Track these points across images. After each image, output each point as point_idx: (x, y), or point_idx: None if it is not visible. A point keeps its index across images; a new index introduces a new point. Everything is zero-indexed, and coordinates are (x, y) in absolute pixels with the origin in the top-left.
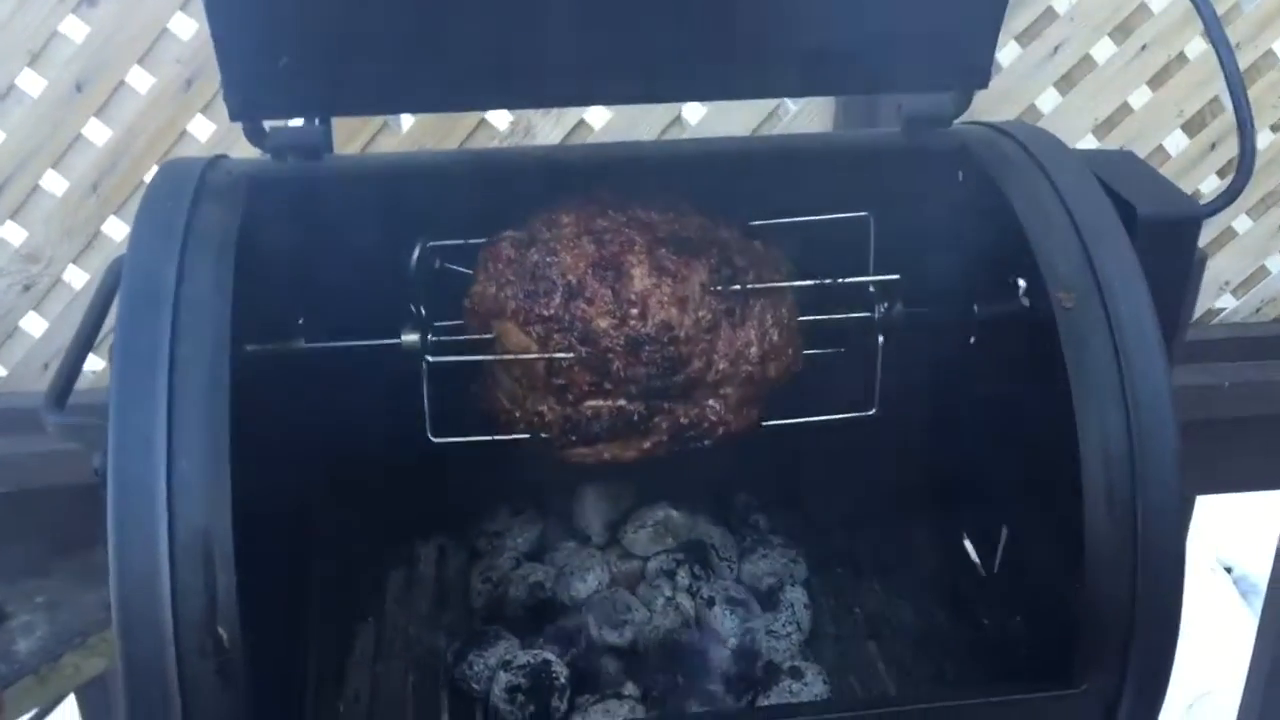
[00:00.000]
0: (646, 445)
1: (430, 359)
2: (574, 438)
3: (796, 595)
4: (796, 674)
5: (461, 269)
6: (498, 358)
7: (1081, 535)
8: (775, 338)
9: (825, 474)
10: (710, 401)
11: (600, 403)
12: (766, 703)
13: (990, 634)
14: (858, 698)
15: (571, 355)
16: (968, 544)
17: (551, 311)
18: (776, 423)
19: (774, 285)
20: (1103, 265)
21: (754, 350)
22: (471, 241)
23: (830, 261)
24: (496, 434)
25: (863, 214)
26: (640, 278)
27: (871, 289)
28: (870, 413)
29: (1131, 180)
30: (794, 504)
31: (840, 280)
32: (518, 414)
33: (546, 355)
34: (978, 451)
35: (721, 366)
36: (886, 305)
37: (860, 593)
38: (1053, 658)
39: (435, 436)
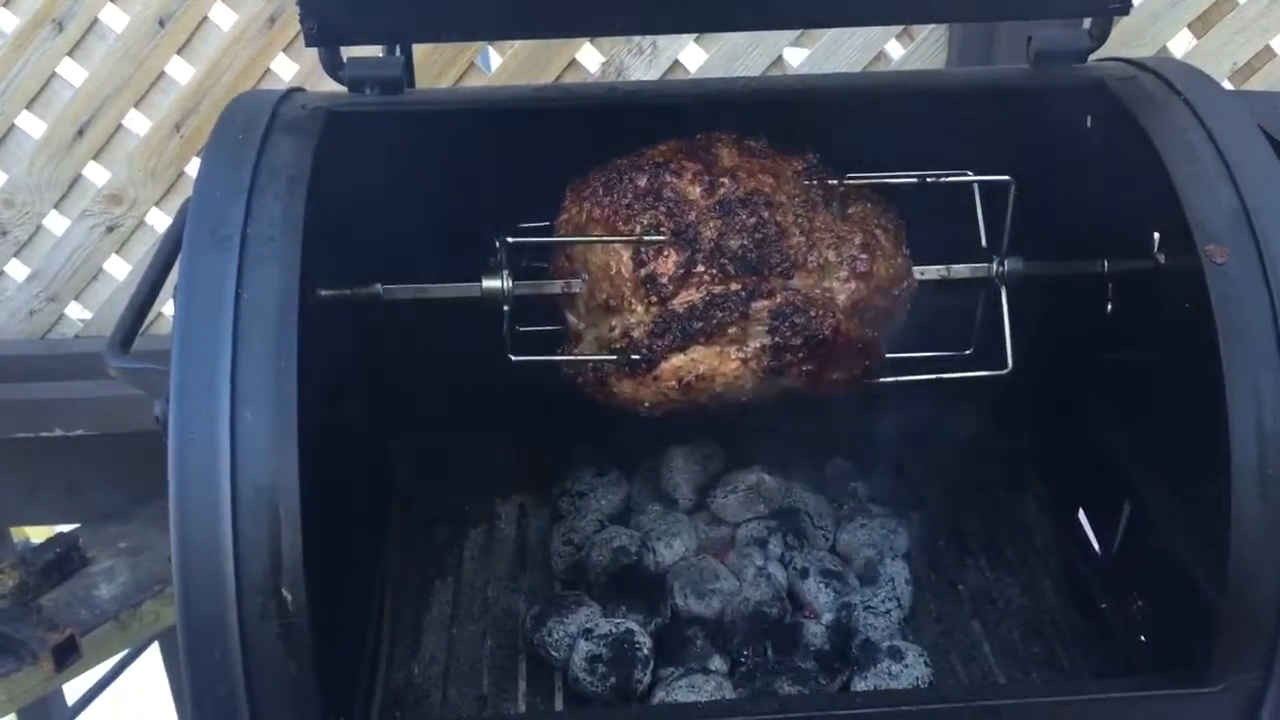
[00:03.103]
0: (747, 351)
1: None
2: (665, 340)
3: (897, 569)
4: (896, 654)
5: (542, 265)
6: (581, 239)
7: (1224, 516)
8: (881, 239)
9: (929, 440)
10: (815, 291)
11: (693, 294)
12: (863, 684)
13: (1108, 618)
14: (964, 685)
15: (661, 238)
16: (1083, 519)
17: (639, 189)
18: (900, 379)
19: (871, 179)
20: (1261, 217)
21: (858, 239)
22: (554, 240)
23: (947, 210)
24: (582, 384)
25: (965, 174)
26: (729, 156)
27: (985, 241)
28: (1005, 371)
29: None
30: (895, 471)
31: (942, 179)
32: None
33: (635, 239)
34: (1098, 420)
35: (822, 250)
36: (1002, 260)
37: (965, 568)
38: (1180, 648)
39: (515, 356)
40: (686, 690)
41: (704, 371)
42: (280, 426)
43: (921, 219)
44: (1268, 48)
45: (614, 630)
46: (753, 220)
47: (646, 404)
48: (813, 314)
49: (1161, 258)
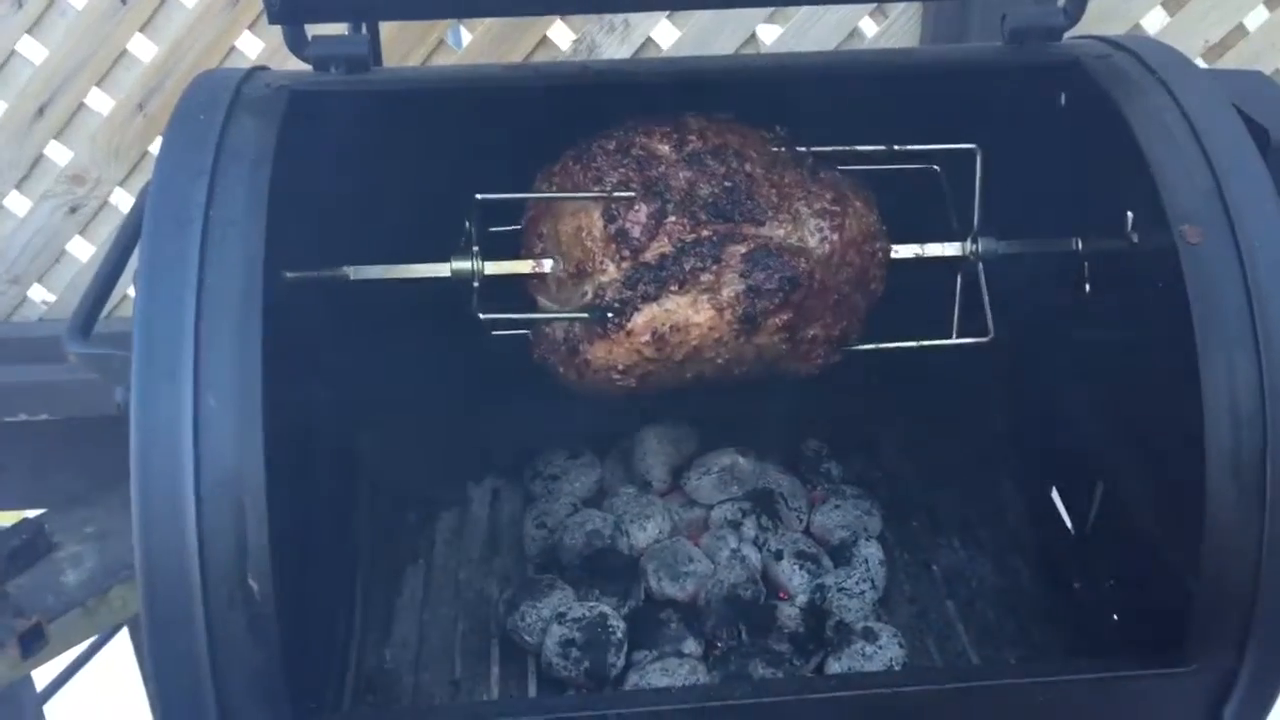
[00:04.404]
0: (721, 299)
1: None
2: (638, 290)
3: (871, 550)
4: (870, 635)
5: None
6: (551, 196)
7: (1198, 496)
8: (854, 200)
9: (903, 420)
10: (792, 240)
11: (664, 244)
12: (837, 665)
13: (1081, 597)
14: (938, 666)
15: (630, 194)
16: (1056, 499)
17: (607, 151)
18: (880, 345)
19: (838, 149)
20: (1234, 196)
21: (829, 194)
22: (525, 196)
23: (924, 195)
24: (555, 363)
25: (931, 167)
26: (697, 124)
27: (956, 224)
28: (987, 339)
29: (1262, 102)
30: (869, 452)
31: (906, 148)
32: (576, 328)
33: (604, 195)
34: (1071, 399)
35: (794, 203)
36: (974, 235)
37: (938, 548)
38: (1153, 627)
39: (483, 313)
40: (660, 674)
41: (678, 322)
42: (244, 413)
43: (900, 205)
44: (1240, 25)
45: (587, 614)
46: (723, 169)
47: (620, 368)
48: (786, 258)
49: (1136, 237)
